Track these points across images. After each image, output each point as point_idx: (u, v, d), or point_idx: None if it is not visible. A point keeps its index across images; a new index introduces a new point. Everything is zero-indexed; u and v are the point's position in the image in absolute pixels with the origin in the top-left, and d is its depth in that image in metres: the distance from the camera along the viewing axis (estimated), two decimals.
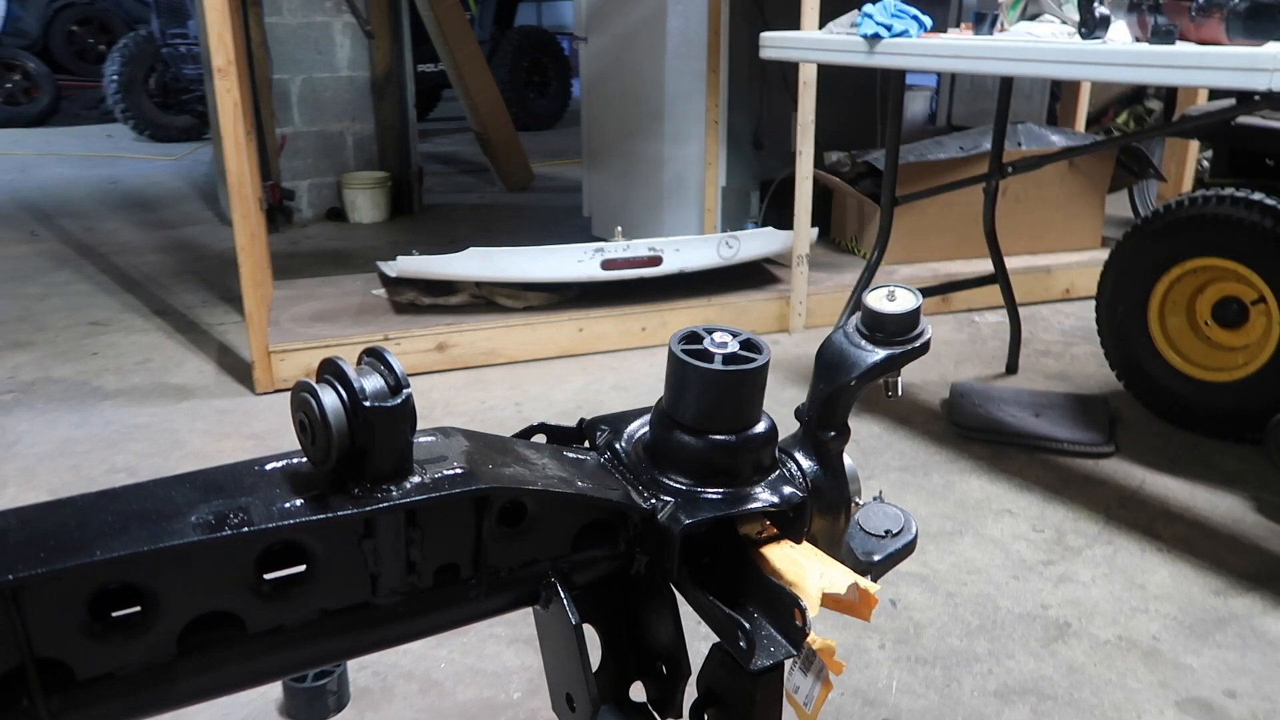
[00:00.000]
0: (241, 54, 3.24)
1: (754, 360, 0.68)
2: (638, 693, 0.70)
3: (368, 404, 0.54)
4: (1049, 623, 1.87)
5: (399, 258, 3.16)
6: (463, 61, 5.77)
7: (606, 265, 3.23)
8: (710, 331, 0.70)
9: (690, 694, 0.67)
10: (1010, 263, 3.10)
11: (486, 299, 3.30)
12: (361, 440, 0.55)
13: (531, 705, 1.65)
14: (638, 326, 3.31)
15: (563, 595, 0.63)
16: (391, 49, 5.24)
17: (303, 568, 0.57)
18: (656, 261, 3.29)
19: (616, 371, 3.16)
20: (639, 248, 3.29)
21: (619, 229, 3.46)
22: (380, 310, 3.33)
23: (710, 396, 0.68)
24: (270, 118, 4.96)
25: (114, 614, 0.52)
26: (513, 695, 1.68)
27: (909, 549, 0.74)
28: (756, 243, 3.47)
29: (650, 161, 4.15)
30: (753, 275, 3.61)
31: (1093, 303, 2.85)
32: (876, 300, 0.73)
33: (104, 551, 0.49)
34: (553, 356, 3.25)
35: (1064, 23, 2.32)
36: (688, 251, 3.33)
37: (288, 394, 0.57)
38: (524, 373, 3.15)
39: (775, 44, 2.69)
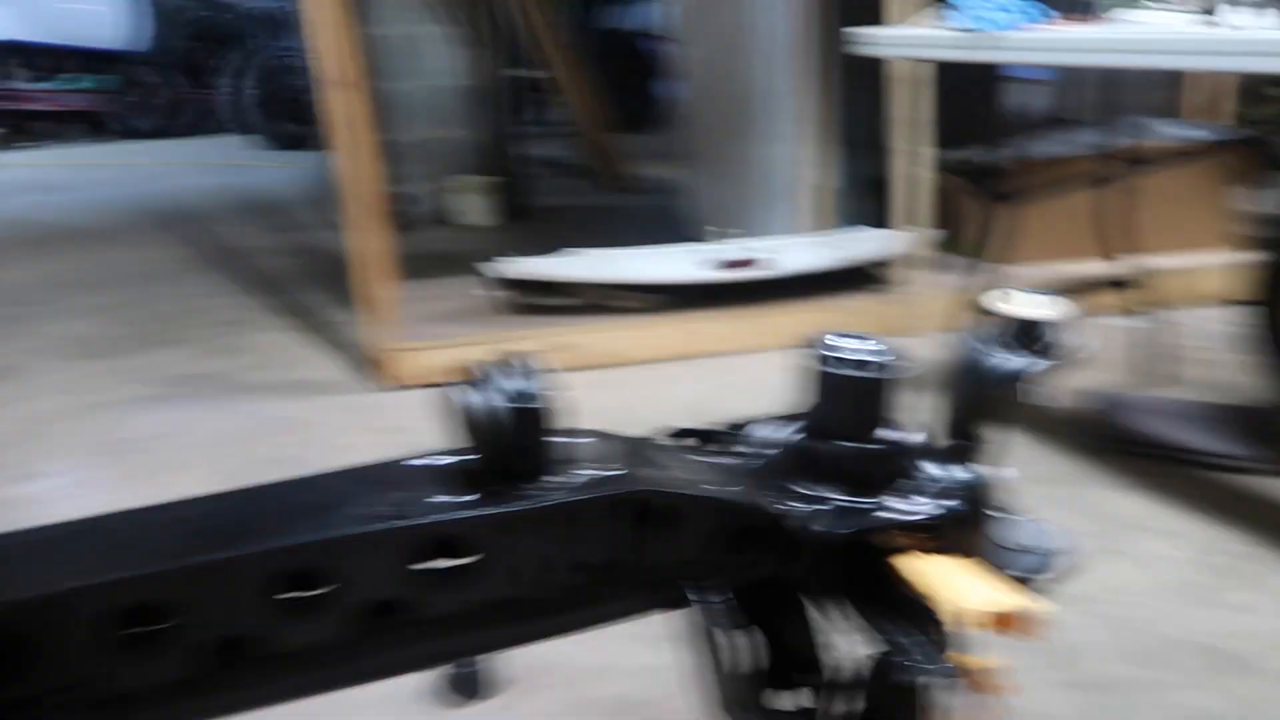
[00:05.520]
0: (355, 65, 3.36)
1: (900, 366, 0.67)
2: (784, 702, 0.70)
3: (523, 405, 0.56)
4: (1219, 654, 1.77)
5: (511, 259, 3.23)
6: (559, 66, 5.87)
7: (719, 267, 3.23)
8: (846, 336, 0.69)
9: (837, 707, 0.67)
10: (1132, 263, 2.96)
11: (599, 301, 3.34)
12: (520, 440, 0.57)
13: (672, 705, 1.66)
14: (749, 328, 3.29)
15: (708, 600, 0.64)
16: (492, 56, 5.37)
17: (465, 560, 0.59)
18: (767, 264, 3.28)
19: (734, 374, 3.15)
20: (749, 249, 3.28)
21: (729, 231, 3.46)
22: (497, 311, 3.41)
23: (860, 404, 0.67)
24: (381, 126, 5.13)
25: (293, 595, 0.55)
26: (653, 693, 1.70)
27: (1060, 569, 0.71)
28: (868, 244, 3.42)
29: (755, 162, 4.13)
30: (863, 277, 3.55)
31: (1236, 307, 2.64)
32: (1015, 303, 0.71)
33: (289, 537, 0.52)
34: (668, 358, 3.26)
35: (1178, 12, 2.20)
36: (798, 253, 3.31)
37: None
38: (641, 374, 3.17)
39: (872, 41, 2.63)
